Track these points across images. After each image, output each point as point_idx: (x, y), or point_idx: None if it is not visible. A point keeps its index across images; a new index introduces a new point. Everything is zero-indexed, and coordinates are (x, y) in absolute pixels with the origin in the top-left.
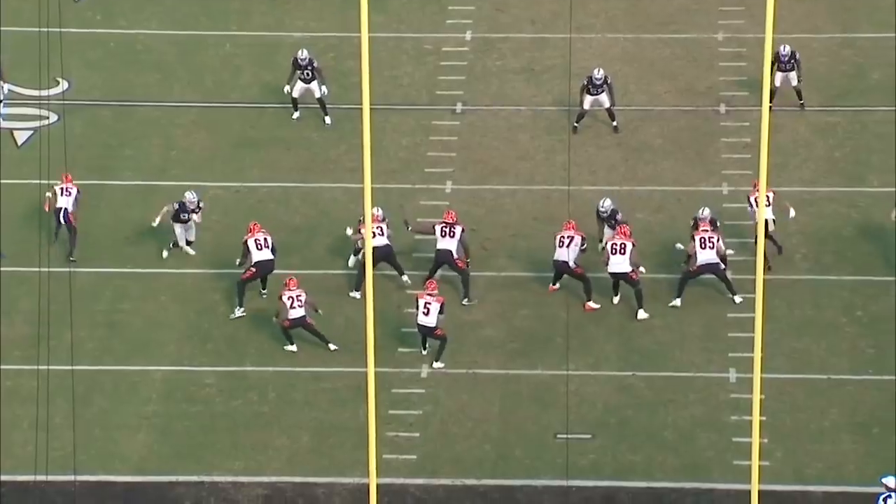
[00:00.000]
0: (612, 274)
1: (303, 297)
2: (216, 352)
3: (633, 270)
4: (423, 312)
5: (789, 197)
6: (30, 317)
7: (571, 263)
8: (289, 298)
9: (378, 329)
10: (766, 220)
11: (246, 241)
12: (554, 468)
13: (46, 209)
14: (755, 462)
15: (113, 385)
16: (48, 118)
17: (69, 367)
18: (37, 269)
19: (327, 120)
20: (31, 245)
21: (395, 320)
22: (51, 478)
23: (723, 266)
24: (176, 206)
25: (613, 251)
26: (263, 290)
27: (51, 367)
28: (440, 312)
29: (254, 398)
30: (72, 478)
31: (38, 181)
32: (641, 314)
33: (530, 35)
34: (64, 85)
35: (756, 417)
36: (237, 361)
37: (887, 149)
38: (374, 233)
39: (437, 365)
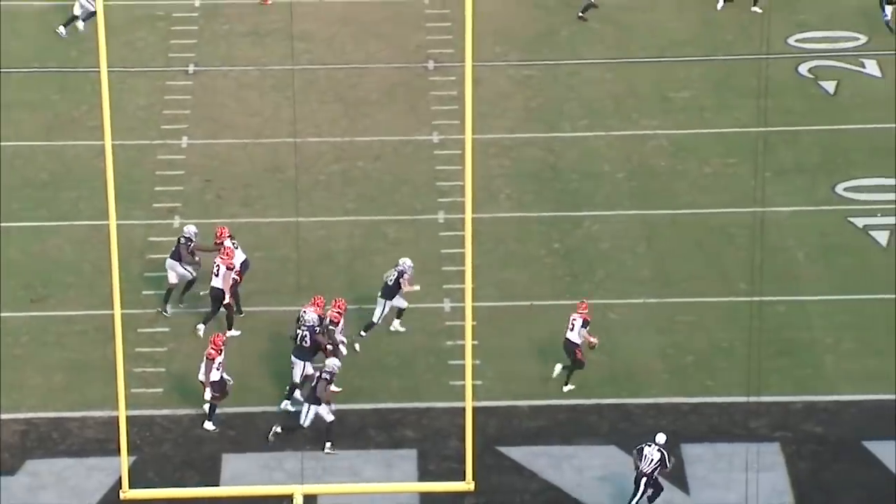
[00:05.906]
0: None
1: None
2: None
3: None
4: None
5: (492, 143)
6: None
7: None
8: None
9: (122, 273)
10: None
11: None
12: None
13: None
14: (468, 381)
15: None
16: None
17: None
18: None
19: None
20: None
21: (139, 266)
22: None
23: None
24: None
25: None
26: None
27: None
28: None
29: (9, 342)
30: None
31: None
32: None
33: (253, 1)
34: None
35: (469, 342)
36: None
37: (577, 98)
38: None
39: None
